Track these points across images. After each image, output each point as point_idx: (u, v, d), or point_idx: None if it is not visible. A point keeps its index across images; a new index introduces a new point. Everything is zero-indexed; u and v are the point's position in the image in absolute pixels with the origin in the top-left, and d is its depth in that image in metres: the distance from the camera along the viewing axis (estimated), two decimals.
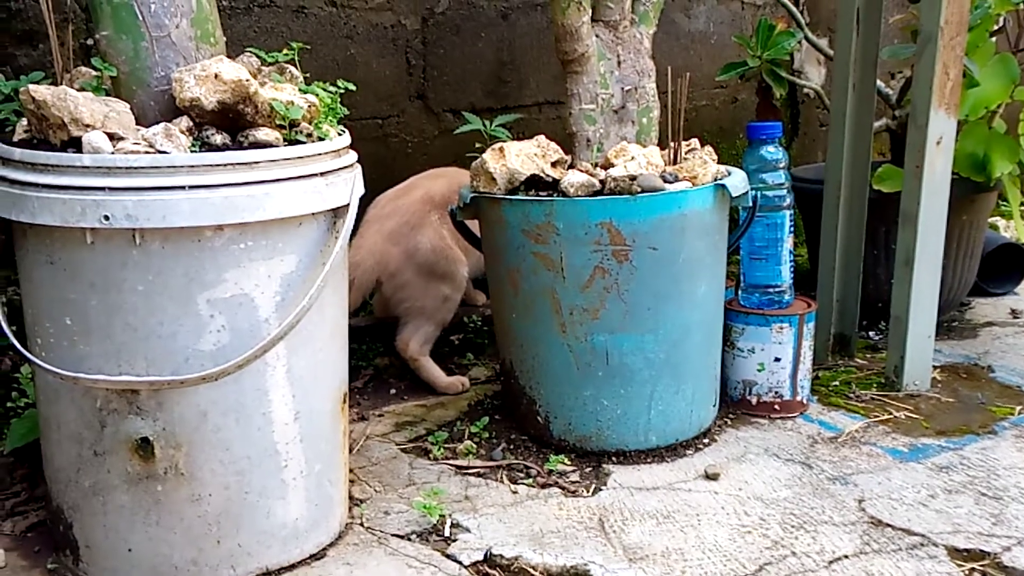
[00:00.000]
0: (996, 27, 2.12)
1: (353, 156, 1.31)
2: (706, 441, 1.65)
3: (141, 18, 1.22)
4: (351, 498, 1.46)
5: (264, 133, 1.21)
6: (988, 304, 2.37)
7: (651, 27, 1.78)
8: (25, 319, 1.23)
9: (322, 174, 1.21)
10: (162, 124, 1.17)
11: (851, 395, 1.84)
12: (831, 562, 1.28)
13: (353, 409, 1.81)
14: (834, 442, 1.64)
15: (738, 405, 1.77)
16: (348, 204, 1.25)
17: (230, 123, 1.21)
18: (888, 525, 1.37)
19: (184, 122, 1.20)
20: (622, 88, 1.76)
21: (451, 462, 1.59)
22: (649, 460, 1.59)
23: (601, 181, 1.53)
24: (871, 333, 2.14)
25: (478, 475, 1.55)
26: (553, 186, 1.55)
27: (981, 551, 1.30)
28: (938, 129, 1.74)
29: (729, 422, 1.73)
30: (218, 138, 1.20)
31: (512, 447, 1.64)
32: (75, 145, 1.14)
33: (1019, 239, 2.25)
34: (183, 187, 1.11)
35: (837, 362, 2.00)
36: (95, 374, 1.16)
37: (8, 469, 1.52)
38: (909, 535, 1.35)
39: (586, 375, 1.56)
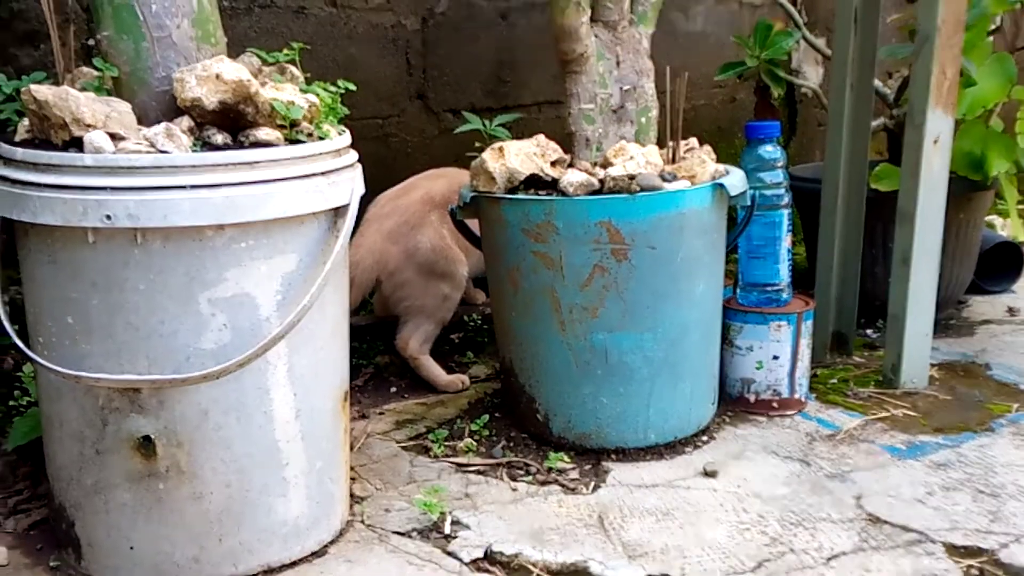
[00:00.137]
0: (993, 27, 2.12)
1: (354, 156, 1.32)
2: (705, 439, 1.66)
3: (142, 18, 1.22)
4: (352, 496, 1.46)
5: (265, 133, 1.21)
6: (985, 302, 2.37)
7: (650, 27, 1.79)
8: (27, 318, 1.24)
9: (323, 173, 1.22)
10: (163, 124, 1.18)
11: (849, 393, 1.84)
12: (829, 559, 1.29)
13: (354, 407, 1.81)
14: (832, 439, 1.65)
15: (736, 403, 1.77)
16: (349, 203, 1.25)
17: (231, 123, 1.22)
18: (886, 522, 1.38)
19: (185, 122, 1.20)
20: (621, 88, 1.76)
21: (451, 460, 1.60)
22: (648, 458, 1.59)
23: (600, 180, 1.54)
24: (869, 331, 2.15)
25: (478, 472, 1.56)
26: (552, 185, 1.56)
27: (979, 548, 1.31)
28: (935, 128, 1.74)
29: (728, 420, 1.73)
30: (219, 138, 1.20)
31: (512, 445, 1.65)
32: (77, 145, 1.14)
33: (1015, 237, 2.25)
34: (184, 187, 1.11)
35: (835, 360, 2.00)
36: (97, 373, 1.16)
37: (11, 467, 1.53)
38: (907, 532, 1.35)
39: (585, 373, 1.57)
